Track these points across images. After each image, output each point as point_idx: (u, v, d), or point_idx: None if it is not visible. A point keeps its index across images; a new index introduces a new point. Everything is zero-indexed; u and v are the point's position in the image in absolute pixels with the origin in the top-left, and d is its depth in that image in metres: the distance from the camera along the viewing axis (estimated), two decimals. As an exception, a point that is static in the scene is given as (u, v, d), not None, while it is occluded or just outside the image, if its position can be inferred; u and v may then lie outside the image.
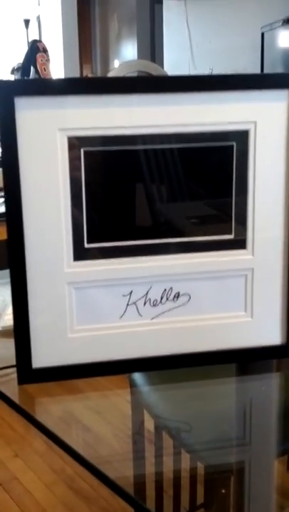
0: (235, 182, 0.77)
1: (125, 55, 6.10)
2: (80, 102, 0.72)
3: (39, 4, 6.27)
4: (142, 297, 0.78)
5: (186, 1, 4.24)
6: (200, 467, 0.80)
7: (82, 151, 0.73)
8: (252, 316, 0.81)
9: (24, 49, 5.25)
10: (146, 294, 0.78)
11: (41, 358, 0.77)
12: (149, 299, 0.79)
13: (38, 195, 0.73)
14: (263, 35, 3.44)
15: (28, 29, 6.01)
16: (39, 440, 2.09)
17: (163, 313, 0.79)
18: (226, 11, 3.94)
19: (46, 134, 0.72)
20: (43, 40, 5.43)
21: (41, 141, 0.72)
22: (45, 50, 4.80)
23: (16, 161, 0.71)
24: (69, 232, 0.75)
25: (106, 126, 0.73)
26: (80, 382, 0.79)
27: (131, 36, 6.33)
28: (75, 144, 0.73)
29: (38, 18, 6.31)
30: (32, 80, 0.75)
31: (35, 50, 4.65)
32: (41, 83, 0.74)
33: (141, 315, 0.79)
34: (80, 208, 0.74)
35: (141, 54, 5.77)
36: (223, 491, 0.74)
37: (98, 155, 0.74)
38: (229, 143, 0.76)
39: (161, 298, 0.79)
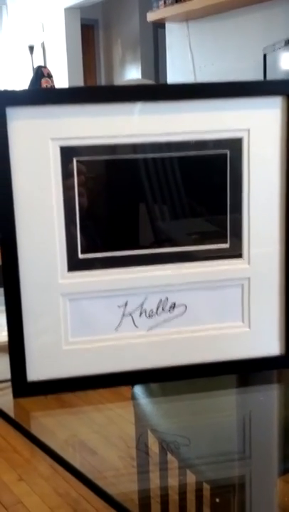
0: (230, 190, 0.77)
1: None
2: (71, 111, 0.72)
3: (43, 30, 6.36)
4: (138, 308, 0.77)
5: (188, 24, 4.29)
6: (206, 487, 0.78)
7: (74, 160, 0.72)
8: (249, 327, 0.80)
9: (29, 75, 5.33)
10: (142, 304, 0.77)
11: (36, 371, 0.76)
12: (145, 310, 0.78)
13: (30, 205, 0.73)
14: (265, 56, 3.46)
15: (33, 55, 6.09)
16: (44, 464, 2.07)
17: (159, 324, 0.78)
18: (228, 34, 3.98)
19: (38, 143, 0.72)
20: (48, 66, 5.51)
21: (33, 151, 0.72)
22: (49, 76, 4.87)
23: (8, 171, 0.71)
24: (63, 243, 0.74)
25: (98, 135, 0.73)
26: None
27: (135, 60, 6.41)
28: (67, 153, 0.73)
29: (43, 44, 6.39)
30: (23, 90, 0.76)
31: (40, 75, 4.72)
32: (33, 93, 0.74)
33: (137, 326, 0.78)
34: (73, 217, 0.74)
35: (145, 77, 5.83)
36: (217, 500, 0.72)
37: (91, 164, 0.74)
38: (223, 151, 0.76)
39: (157, 309, 0.78)
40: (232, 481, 0.76)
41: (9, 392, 0.77)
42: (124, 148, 0.75)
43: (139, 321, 0.78)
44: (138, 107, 0.73)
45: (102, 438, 0.78)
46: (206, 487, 0.80)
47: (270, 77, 3.45)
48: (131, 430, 0.83)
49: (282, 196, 0.78)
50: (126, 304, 0.77)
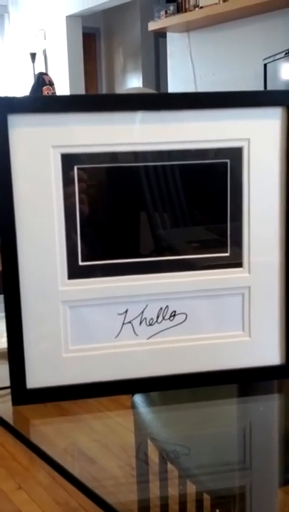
0: (230, 199, 0.77)
1: (130, 88, 6.18)
2: (73, 119, 0.72)
3: (45, 38, 6.39)
4: (138, 316, 0.77)
5: (189, 34, 4.31)
6: (206, 497, 0.78)
7: (75, 168, 0.73)
8: (250, 336, 0.80)
9: (30, 82, 5.35)
10: (142, 312, 0.77)
11: (36, 378, 0.76)
12: (145, 318, 0.78)
13: (31, 212, 0.73)
14: (265, 66, 3.48)
15: (35, 62, 6.11)
16: (43, 472, 2.05)
17: (159, 332, 0.78)
18: (229, 44, 4.00)
19: (40, 151, 0.72)
20: (49, 73, 5.52)
21: (34, 159, 0.72)
22: (51, 83, 4.89)
23: (9, 178, 0.71)
24: (63, 250, 0.74)
25: (99, 143, 0.73)
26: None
27: (136, 69, 6.44)
28: (68, 161, 0.73)
29: (44, 51, 6.41)
30: (25, 98, 0.76)
31: (42, 82, 4.74)
32: (35, 101, 0.74)
33: (137, 334, 0.78)
34: (74, 225, 0.74)
35: (146, 86, 5.84)
36: (218, 510, 0.71)
37: (91, 172, 0.74)
38: (223, 160, 0.76)
39: (158, 317, 0.78)
40: (232, 491, 0.76)
41: (8, 399, 0.77)
42: (125, 156, 0.75)
43: (140, 329, 0.78)
44: (139, 115, 0.74)
45: (101, 447, 0.78)
46: (207, 497, 0.79)
47: (270, 87, 3.47)
48: (130, 439, 0.83)
49: (282, 205, 0.78)
50: (126, 312, 0.77)
